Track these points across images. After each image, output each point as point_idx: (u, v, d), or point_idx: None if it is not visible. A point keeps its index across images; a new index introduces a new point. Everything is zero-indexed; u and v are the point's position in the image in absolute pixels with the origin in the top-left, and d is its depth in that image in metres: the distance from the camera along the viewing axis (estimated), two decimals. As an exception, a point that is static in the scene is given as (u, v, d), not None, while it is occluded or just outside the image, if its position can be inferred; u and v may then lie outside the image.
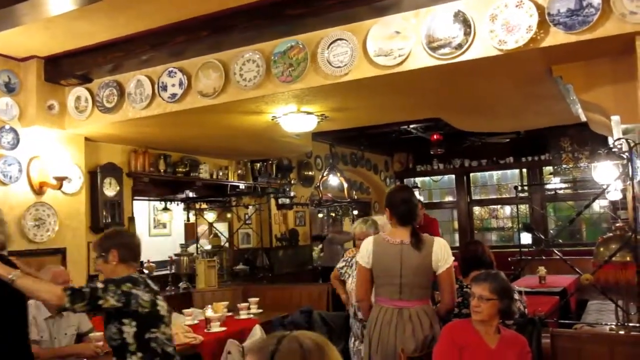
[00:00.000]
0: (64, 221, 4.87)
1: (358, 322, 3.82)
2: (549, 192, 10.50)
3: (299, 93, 4.08)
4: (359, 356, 3.78)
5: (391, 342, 2.95)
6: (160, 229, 9.12)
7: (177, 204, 7.74)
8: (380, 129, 8.56)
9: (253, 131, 5.49)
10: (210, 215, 8.00)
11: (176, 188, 6.98)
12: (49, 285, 2.52)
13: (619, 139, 3.51)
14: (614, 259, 3.40)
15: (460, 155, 11.30)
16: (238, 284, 6.70)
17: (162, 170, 6.39)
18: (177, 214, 8.20)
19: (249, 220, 7.97)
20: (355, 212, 9.79)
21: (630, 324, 3.45)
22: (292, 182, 8.69)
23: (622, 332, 3.38)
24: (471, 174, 11.86)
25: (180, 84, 4.30)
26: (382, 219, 4.13)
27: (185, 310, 5.02)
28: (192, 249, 7.13)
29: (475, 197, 11.93)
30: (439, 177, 12.20)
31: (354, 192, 9.61)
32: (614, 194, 6.56)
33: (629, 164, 3.38)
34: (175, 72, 4.33)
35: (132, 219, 6.02)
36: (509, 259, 7.66)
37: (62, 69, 4.67)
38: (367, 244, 3.15)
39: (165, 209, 7.77)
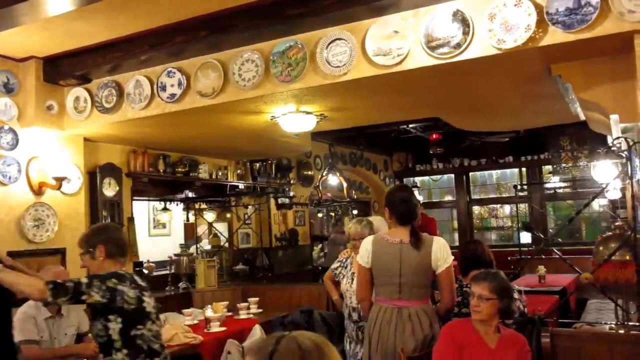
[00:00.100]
0: (64, 221, 4.86)
1: (353, 324, 3.81)
2: (549, 191, 10.51)
3: (298, 93, 4.08)
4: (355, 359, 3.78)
5: (391, 341, 2.95)
6: (160, 229, 9.12)
7: (177, 204, 7.74)
8: (380, 129, 8.56)
9: (252, 131, 5.49)
10: (210, 215, 8.01)
11: (175, 188, 6.98)
12: (31, 279, 2.46)
13: (618, 137, 3.51)
14: (613, 258, 3.40)
15: (459, 155, 11.31)
16: (238, 284, 6.71)
17: (161, 171, 6.39)
18: (176, 214, 8.20)
19: (249, 220, 7.97)
20: (355, 212, 9.80)
21: (630, 323, 3.45)
22: (292, 181, 8.69)
23: (621, 331, 3.38)
24: (470, 174, 11.87)
25: (179, 84, 4.30)
26: (377, 220, 4.11)
27: (185, 310, 5.02)
28: (193, 249, 7.14)
29: (474, 196, 11.94)
30: (438, 177, 12.21)
31: (354, 192, 9.62)
32: (613, 193, 6.57)
33: (628, 162, 3.38)
34: (174, 72, 4.33)
35: (131, 219, 6.02)
36: (509, 258, 7.66)
37: (61, 69, 4.67)
38: (367, 244, 3.15)
39: (165, 209, 7.77)
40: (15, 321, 3.50)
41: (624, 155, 3.44)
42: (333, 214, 10.13)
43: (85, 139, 5.25)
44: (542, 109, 5.15)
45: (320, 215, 10.00)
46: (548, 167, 10.70)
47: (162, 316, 5.02)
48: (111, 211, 5.61)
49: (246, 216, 7.99)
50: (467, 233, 11.53)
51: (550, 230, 10.49)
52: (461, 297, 3.25)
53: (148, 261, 6.72)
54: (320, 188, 8.53)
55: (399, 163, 12.16)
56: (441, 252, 3.01)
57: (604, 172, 6.74)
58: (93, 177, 5.47)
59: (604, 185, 5.22)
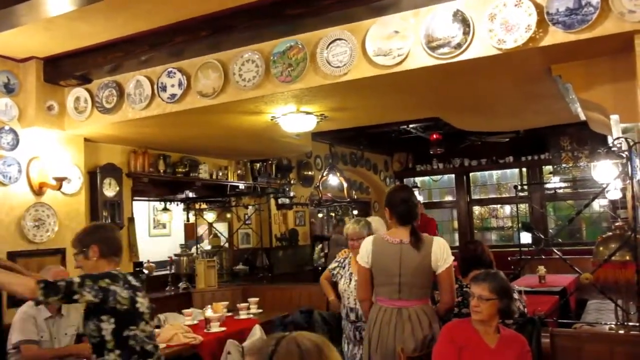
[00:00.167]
0: (64, 221, 4.87)
1: (350, 324, 3.77)
2: (549, 192, 10.50)
3: (298, 93, 4.08)
4: None
5: (390, 341, 2.95)
6: (160, 229, 9.12)
7: (177, 204, 7.74)
8: (380, 129, 8.56)
9: (252, 131, 5.50)
10: (210, 216, 8.01)
11: (176, 188, 6.98)
12: (22, 278, 2.44)
13: (618, 138, 3.51)
14: (613, 258, 3.40)
15: (459, 155, 11.30)
16: (238, 284, 6.71)
17: (161, 171, 6.39)
18: (176, 214, 8.20)
19: (249, 220, 7.98)
20: (355, 212, 9.80)
21: (630, 324, 3.45)
22: (292, 182, 8.70)
23: (621, 332, 3.38)
24: (471, 174, 11.86)
25: (180, 84, 4.30)
26: (376, 221, 4.07)
27: (185, 311, 5.02)
28: (195, 249, 7.15)
29: (475, 196, 11.94)
30: (438, 177, 12.21)
31: (354, 192, 9.62)
32: (614, 193, 6.58)
33: (629, 163, 3.37)
34: (175, 73, 4.33)
35: (131, 220, 6.02)
36: (509, 258, 7.66)
37: (61, 69, 4.67)
38: (367, 244, 3.16)
39: (165, 209, 7.77)
40: (15, 321, 3.52)
41: (624, 155, 3.43)
42: (333, 214, 10.13)
43: (86, 139, 5.25)
44: (542, 109, 5.15)
45: (320, 215, 10.00)
46: (548, 168, 10.70)
47: (161, 316, 5.08)
48: (111, 211, 5.61)
49: (246, 216, 7.99)
50: (467, 233, 11.53)
51: (551, 230, 10.49)
52: (461, 298, 3.25)
53: (148, 261, 6.72)
54: (321, 188, 8.52)
55: (400, 163, 12.16)
56: (441, 252, 3.01)
57: (604, 172, 6.74)
58: (93, 178, 5.47)
59: (604, 186, 5.22)
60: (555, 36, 3.08)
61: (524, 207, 10.92)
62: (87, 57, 4.47)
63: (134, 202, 6.16)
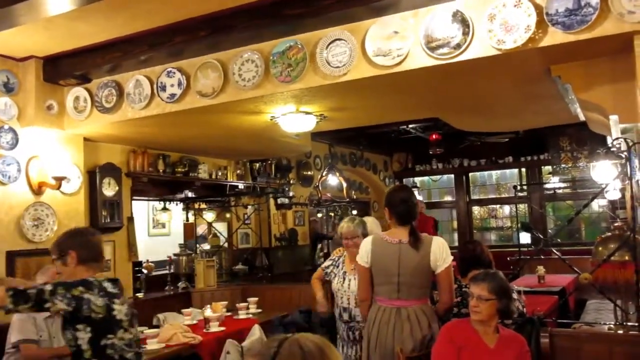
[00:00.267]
0: (63, 221, 4.86)
1: (343, 324, 3.73)
2: (548, 192, 10.51)
3: (298, 93, 4.08)
4: None
5: (389, 341, 2.95)
6: (159, 229, 9.11)
7: (176, 204, 7.74)
8: (380, 129, 8.56)
9: (252, 131, 5.50)
10: (210, 215, 8.01)
11: (175, 188, 6.97)
12: None
13: (617, 138, 3.51)
14: (612, 258, 3.41)
15: (459, 155, 11.31)
16: (237, 283, 6.71)
17: (161, 170, 6.39)
18: (176, 214, 8.20)
19: (248, 220, 7.98)
20: (355, 212, 9.80)
21: (629, 324, 3.45)
22: (291, 182, 8.69)
23: (620, 332, 3.38)
24: (470, 174, 11.87)
25: (179, 84, 4.31)
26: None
27: (184, 310, 5.03)
28: (196, 248, 7.15)
29: (474, 196, 11.94)
30: (438, 177, 12.21)
31: (353, 192, 9.62)
32: (613, 194, 6.58)
33: (628, 163, 3.38)
34: (174, 72, 4.33)
35: (131, 219, 6.02)
36: (508, 258, 7.66)
37: (60, 69, 4.67)
38: (366, 244, 3.16)
39: (165, 209, 7.76)
40: (15, 321, 3.52)
41: (623, 155, 3.44)
42: (332, 214, 10.13)
43: (85, 139, 5.25)
44: (541, 109, 5.15)
45: (320, 215, 10.00)
46: (548, 168, 10.71)
47: (161, 316, 5.09)
48: (111, 211, 5.61)
49: (246, 216, 7.99)
50: (466, 233, 11.54)
51: (550, 230, 10.49)
52: (460, 298, 3.25)
53: (147, 261, 6.72)
54: (320, 188, 8.52)
55: (399, 163, 12.16)
56: (440, 252, 3.01)
57: (603, 172, 6.74)
58: (93, 177, 5.46)
59: (603, 186, 5.22)
60: (555, 37, 3.09)
61: (523, 207, 10.92)
62: (86, 57, 4.47)
63: (133, 202, 6.15)
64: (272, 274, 7.52)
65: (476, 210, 11.96)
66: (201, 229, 8.10)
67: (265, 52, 3.96)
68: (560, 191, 10.42)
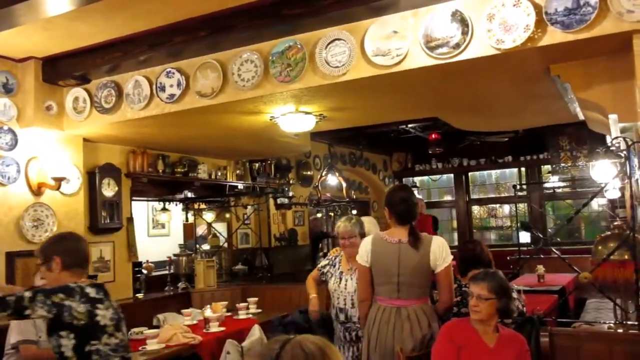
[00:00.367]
0: (63, 222, 4.86)
1: (340, 325, 3.69)
2: (548, 191, 10.52)
3: (297, 93, 4.08)
4: None
5: (389, 341, 2.95)
6: (159, 229, 9.11)
7: (176, 205, 7.73)
8: (379, 129, 8.57)
9: (251, 131, 5.49)
10: (209, 216, 8.00)
11: (175, 188, 6.97)
12: None
13: (616, 137, 3.51)
14: (612, 257, 3.41)
15: (458, 155, 11.31)
16: (237, 284, 6.71)
17: (160, 171, 6.39)
18: (175, 215, 8.20)
19: (248, 220, 7.98)
20: (354, 212, 9.80)
21: (629, 322, 3.45)
22: (291, 182, 8.69)
23: (620, 331, 3.38)
24: (470, 173, 11.88)
25: (179, 84, 4.30)
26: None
27: (184, 311, 5.03)
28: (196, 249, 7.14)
29: (474, 196, 11.95)
30: (437, 177, 12.22)
31: (353, 192, 9.62)
32: (612, 193, 6.58)
33: (627, 162, 3.38)
34: (173, 73, 4.33)
35: (130, 220, 6.02)
36: (508, 257, 7.67)
37: (60, 69, 4.67)
38: (366, 243, 3.17)
39: (164, 209, 7.76)
40: (15, 322, 3.51)
41: (622, 154, 3.44)
42: (332, 214, 10.13)
43: (85, 140, 5.25)
44: (541, 108, 5.15)
45: (319, 215, 10.00)
46: (547, 167, 10.71)
47: (160, 316, 5.09)
48: (110, 211, 5.61)
49: (245, 216, 7.99)
50: (466, 233, 11.54)
51: (550, 229, 10.50)
52: (460, 297, 3.25)
53: (147, 261, 6.71)
54: (320, 188, 8.52)
55: (399, 163, 12.16)
56: (440, 251, 3.01)
57: (603, 171, 6.74)
58: (92, 178, 5.46)
59: (603, 185, 5.22)
60: (554, 36, 3.09)
61: (522, 206, 10.93)
62: (85, 57, 4.47)
63: (132, 202, 6.15)
64: (271, 274, 7.53)
65: (476, 209, 11.97)
66: (201, 229, 8.09)
67: (265, 52, 3.96)
68: (560, 190, 10.43)
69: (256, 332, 4.36)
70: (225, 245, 7.63)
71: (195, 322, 4.83)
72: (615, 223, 4.02)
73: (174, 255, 6.77)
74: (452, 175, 11.89)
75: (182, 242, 7.59)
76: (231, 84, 4.08)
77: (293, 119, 4.78)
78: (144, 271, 6.32)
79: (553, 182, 10.33)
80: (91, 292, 2.54)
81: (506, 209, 11.63)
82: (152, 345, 3.93)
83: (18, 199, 4.57)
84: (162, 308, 5.52)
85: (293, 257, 8.58)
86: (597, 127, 4.67)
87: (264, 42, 3.97)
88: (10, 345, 3.49)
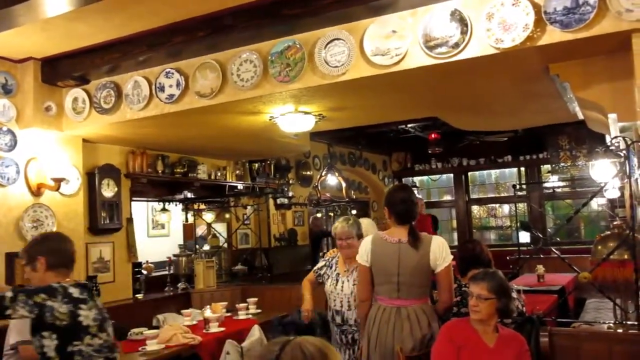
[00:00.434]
0: (62, 222, 4.86)
1: (336, 327, 3.64)
2: (547, 191, 10.52)
3: (297, 93, 4.08)
4: None
5: (389, 340, 2.95)
6: (159, 230, 9.11)
7: (176, 205, 7.74)
8: (378, 129, 8.57)
9: (251, 131, 5.49)
10: (209, 216, 8.01)
11: (174, 189, 6.97)
12: None
13: (616, 136, 3.51)
14: (612, 257, 3.40)
15: (458, 154, 11.32)
16: (237, 284, 6.71)
17: (160, 171, 6.39)
18: (175, 215, 8.20)
19: (248, 220, 7.98)
20: (354, 212, 9.80)
21: (629, 322, 3.45)
22: (291, 182, 8.69)
23: (620, 331, 3.38)
24: (469, 173, 11.88)
25: (178, 84, 4.30)
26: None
27: (184, 311, 5.02)
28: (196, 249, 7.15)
29: (473, 195, 11.95)
30: (437, 176, 12.22)
31: (352, 192, 9.62)
32: (612, 192, 6.58)
33: (627, 162, 3.38)
34: (173, 73, 4.33)
35: (130, 220, 6.02)
36: (508, 257, 7.67)
37: (59, 70, 4.67)
38: (366, 243, 3.16)
39: (164, 209, 7.77)
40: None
41: (622, 154, 3.44)
42: (332, 214, 10.12)
43: (84, 140, 5.25)
44: (540, 108, 5.15)
45: (319, 215, 10.00)
46: (547, 167, 10.72)
47: (160, 316, 5.08)
48: (110, 212, 5.61)
49: (245, 216, 7.98)
50: (466, 232, 11.54)
51: (549, 229, 10.50)
52: (460, 297, 3.25)
53: (147, 262, 6.72)
54: (319, 188, 8.51)
55: (398, 163, 12.16)
56: (440, 251, 3.01)
57: (602, 171, 6.73)
58: (92, 178, 5.46)
59: (602, 185, 5.22)
60: (553, 35, 3.09)
61: (522, 206, 10.93)
62: (84, 58, 4.47)
63: (132, 203, 6.15)
64: (271, 274, 7.52)
65: (475, 209, 11.97)
66: (200, 230, 8.10)
67: (264, 52, 3.96)
68: (560, 190, 10.44)
69: (256, 332, 4.35)
70: (225, 245, 7.63)
71: (195, 322, 4.82)
72: (615, 223, 4.02)
73: (174, 255, 6.77)
74: (451, 175, 11.89)
75: (181, 242, 7.59)
76: (230, 84, 4.08)
77: (292, 119, 4.78)
78: (144, 272, 6.32)
79: (552, 181, 10.34)
80: (74, 292, 2.53)
81: (506, 208, 11.64)
82: (152, 346, 3.93)
83: (17, 200, 4.56)
84: (162, 308, 5.52)
85: (293, 257, 8.58)
86: (597, 127, 4.67)
87: (263, 42, 3.97)
88: (10, 346, 3.48)
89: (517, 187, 8.55)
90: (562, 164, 9.82)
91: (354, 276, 3.57)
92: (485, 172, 11.82)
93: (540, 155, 10.47)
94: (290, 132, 5.20)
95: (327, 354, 1.29)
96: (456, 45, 3.31)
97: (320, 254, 9.20)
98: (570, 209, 10.26)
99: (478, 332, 2.74)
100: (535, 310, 3.56)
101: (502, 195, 11.58)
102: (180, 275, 6.54)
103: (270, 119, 4.88)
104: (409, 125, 8.94)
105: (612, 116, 3.48)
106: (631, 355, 3.08)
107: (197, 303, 5.80)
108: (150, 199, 7.64)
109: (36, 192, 4.69)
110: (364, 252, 3.14)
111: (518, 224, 9.53)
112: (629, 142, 3.29)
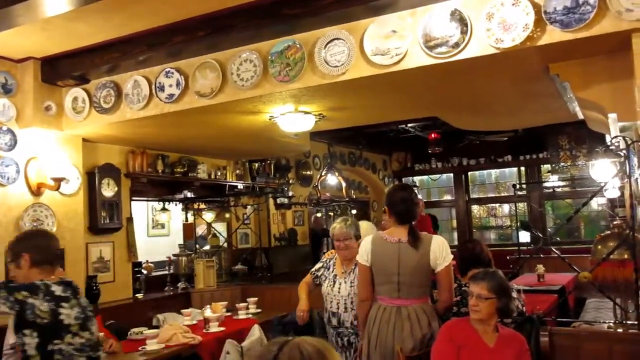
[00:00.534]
0: (62, 222, 4.86)
1: (332, 330, 3.62)
2: (547, 190, 10.52)
3: (297, 93, 4.07)
4: None
5: (389, 340, 2.94)
6: (159, 230, 9.11)
7: (176, 204, 7.74)
8: (378, 128, 8.57)
9: (251, 131, 5.49)
10: (209, 216, 8.01)
11: (174, 188, 6.98)
12: None
13: (616, 136, 3.51)
14: (612, 256, 3.40)
15: (458, 154, 11.32)
16: (237, 284, 6.71)
17: (160, 171, 6.39)
18: (175, 215, 8.20)
19: (248, 220, 7.97)
20: (354, 212, 9.80)
21: (629, 322, 3.45)
22: (291, 181, 8.69)
23: (620, 330, 3.37)
24: (469, 173, 11.89)
25: (178, 84, 4.30)
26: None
27: (184, 311, 5.02)
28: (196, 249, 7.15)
29: (473, 195, 11.95)
30: (437, 176, 12.23)
31: (352, 192, 9.62)
32: (612, 192, 6.57)
33: (626, 161, 3.37)
34: (173, 73, 4.33)
35: (130, 220, 6.02)
36: (508, 257, 7.67)
37: (59, 70, 4.67)
38: (367, 243, 3.16)
39: (164, 209, 7.77)
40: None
41: (622, 154, 3.43)
42: (332, 214, 10.13)
43: (84, 140, 5.25)
44: (540, 108, 5.15)
45: (319, 215, 10.00)
46: (547, 166, 10.73)
47: (160, 316, 5.08)
48: (110, 212, 5.61)
49: (245, 216, 7.98)
50: (466, 232, 11.55)
51: (549, 229, 10.50)
52: (460, 297, 3.25)
53: (147, 261, 6.72)
54: (319, 188, 8.52)
55: (398, 162, 12.16)
56: (440, 251, 3.01)
57: (602, 170, 6.72)
58: (92, 178, 5.46)
59: (602, 184, 5.21)
60: (553, 35, 3.09)
61: (522, 206, 10.93)
62: (84, 58, 4.47)
63: (132, 202, 6.15)
64: (271, 274, 7.52)
65: (475, 209, 11.97)
66: (200, 229, 8.10)
67: (264, 51, 3.96)
68: (560, 190, 10.44)
69: (256, 332, 4.35)
70: (225, 245, 7.63)
71: (195, 322, 4.82)
72: (615, 222, 4.01)
73: (174, 255, 6.77)
74: (451, 174, 11.90)
75: (181, 242, 7.58)
76: (230, 83, 4.08)
77: (292, 118, 4.78)
78: (144, 271, 6.32)
79: (553, 181, 10.34)
80: (57, 290, 2.52)
81: (506, 208, 11.64)
82: (151, 346, 3.93)
83: (17, 200, 4.56)
84: (162, 308, 5.51)
85: (293, 257, 8.58)
86: (597, 126, 4.67)
87: (262, 41, 3.97)
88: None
89: (517, 186, 8.54)
90: (562, 164, 9.82)
91: (352, 278, 3.57)
92: (485, 171, 11.82)
93: (540, 155, 10.48)
94: (290, 132, 5.20)
95: (325, 355, 1.29)
96: (456, 45, 3.31)
97: (321, 253, 9.23)
98: (570, 208, 10.26)
99: (478, 332, 2.74)
100: (535, 310, 3.56)
101: (502, 195, 11.58)
102: (180, 274, 6.54)
103: (270, 119, 4.88)
104: (409, 125, 8.94)
105: (612, 116, 3.48)
106: (631, 355, 3.08)
107: (197, 303, 5.80)
108: (150, 199, 7.64)
109: (36, 191, 4.69)
110: (364, 252, 3.14)
111: (518, 224, 9.53)
112: (629, 142, 3.29)
